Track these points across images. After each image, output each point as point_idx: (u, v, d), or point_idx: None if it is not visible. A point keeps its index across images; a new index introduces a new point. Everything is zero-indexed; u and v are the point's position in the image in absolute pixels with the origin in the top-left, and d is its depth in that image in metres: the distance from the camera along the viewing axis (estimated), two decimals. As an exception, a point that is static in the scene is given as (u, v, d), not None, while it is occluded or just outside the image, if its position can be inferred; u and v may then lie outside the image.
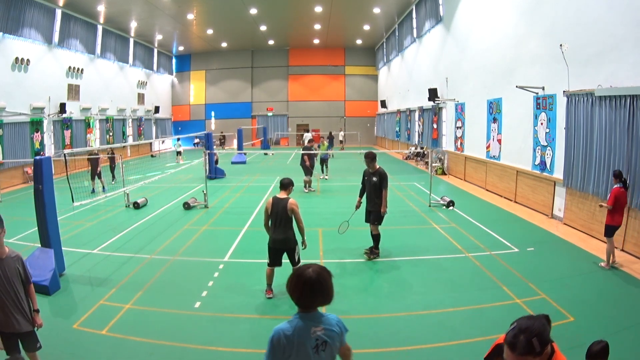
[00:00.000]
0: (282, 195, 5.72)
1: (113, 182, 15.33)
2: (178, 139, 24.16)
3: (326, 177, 16.02)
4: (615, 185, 6.53)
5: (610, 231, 6.58)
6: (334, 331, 2.28)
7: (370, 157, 7.16)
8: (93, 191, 13.31)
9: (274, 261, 5.69)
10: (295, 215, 5.61)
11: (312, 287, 2.19)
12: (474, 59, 14.81)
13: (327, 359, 2.25)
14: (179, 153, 24.05)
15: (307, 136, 26.53)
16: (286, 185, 5.82)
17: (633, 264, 6.80)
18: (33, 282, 5.75)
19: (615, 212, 6.48)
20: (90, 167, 13.92)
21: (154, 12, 22.10)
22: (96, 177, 13.83)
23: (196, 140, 32.12)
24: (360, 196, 7.39)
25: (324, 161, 16.18)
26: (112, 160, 15.89)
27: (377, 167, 7.16)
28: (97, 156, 13.77)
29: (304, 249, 5.81)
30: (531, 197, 10.88)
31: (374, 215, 7.11)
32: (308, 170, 13.39)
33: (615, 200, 6.42)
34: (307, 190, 13.38)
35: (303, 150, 13.98)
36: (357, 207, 7.36)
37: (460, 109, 16.14)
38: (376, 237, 7.24)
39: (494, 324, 4.89)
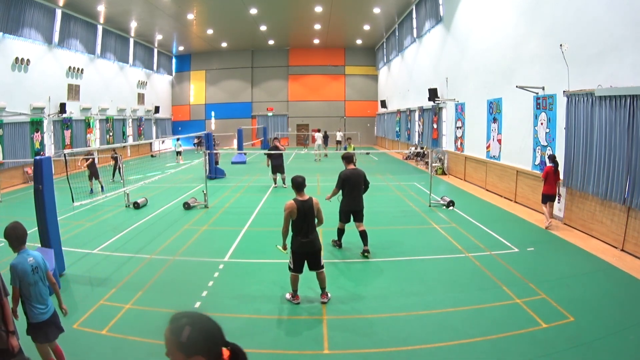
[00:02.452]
0: (303, 197, 5.37)
1: (112, 182, 15.35)
2: (178, 139, 24.17)
3: None
4: (548, 164, 8.93)
5: (544, 198, 8.94)
6: (38, 260, 3.72)
7: (345, 159, 7.57)
8: (91, 192, 13.30)
9: (300, 268, 5.38)
10: (320, 214, 5.47)
11: (16, 234, 3.69)
12: (474, 59, 14.81)
13: (41, 276, 3.72)
14: (178, 153, 24.06)
15: (319, 136, 25.83)
16: (303, 184, 5.47)
17: (633, 263, 6.81)
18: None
19: (547, 184, 8.81)
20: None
21: (154, 12, 22.09)
22: (94, 178, 13.75)
23: (196, 141, 32.08)
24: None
25: None
26: (115, 161, 15.93)
27: (352, 167, 7.51)
28: (92, 156, 13.79)
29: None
30: (531, 197, 10.87)
31: None
32: (274, 169, 14.30)
33: (546, 174, 8.79)
34: (275, 185, 14.33)
35: (270, 150, 14.44)
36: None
37: (460, 109, 16.14)
38: (361, 234, 7.37)
39: (494, 324, 4.89)
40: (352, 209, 7.39)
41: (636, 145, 7.04)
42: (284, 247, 5.46)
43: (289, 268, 5.46)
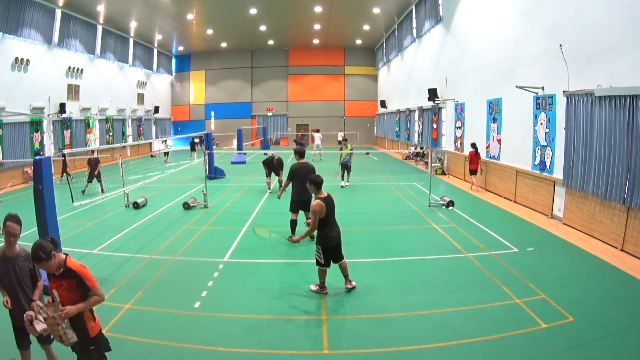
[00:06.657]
0: (323, 194, 5.77)
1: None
2: (165, 141, 24.11)
3: (346, 183, 14.65)
4: (470, 150, 13.31)
5: (471, 172, 13.42)
6: None
7: (296, 153, 8.39)
8: (83, 192, 12.90)
9: (329, 262, 5.73)
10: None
11: None
12: (473, 59, 14.81)
13: None
14: (166, 154, 24.02)
15: (317, 136, 24.54)
16: (322, 183, 5.91)
17: (633, 263, 6.82)
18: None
19: (472, 163, 13.24)
20: (89, 168, 13.70)
21: (154, 12, 22.09)
22: (94, 178, 13.46)
23: (196, 141, 31.99)
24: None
25: (345, 166, 14.40)
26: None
27: (302, 161, 8.24)
28: (95, 156, 13.68)
29: None
30: (531, 197, 10.88)
31: None
32: (269, 172, 13.53)
33: (471, 157, 13.20)
34: (270, 191, 13.52)
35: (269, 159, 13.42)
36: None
37: (460, 109, 16.14)
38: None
39: (494, 324, 4.90)
40: (301, 199, 7.99)
41: (636, 145, 7.04)
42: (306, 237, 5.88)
43: (319, 264, 5.71)
